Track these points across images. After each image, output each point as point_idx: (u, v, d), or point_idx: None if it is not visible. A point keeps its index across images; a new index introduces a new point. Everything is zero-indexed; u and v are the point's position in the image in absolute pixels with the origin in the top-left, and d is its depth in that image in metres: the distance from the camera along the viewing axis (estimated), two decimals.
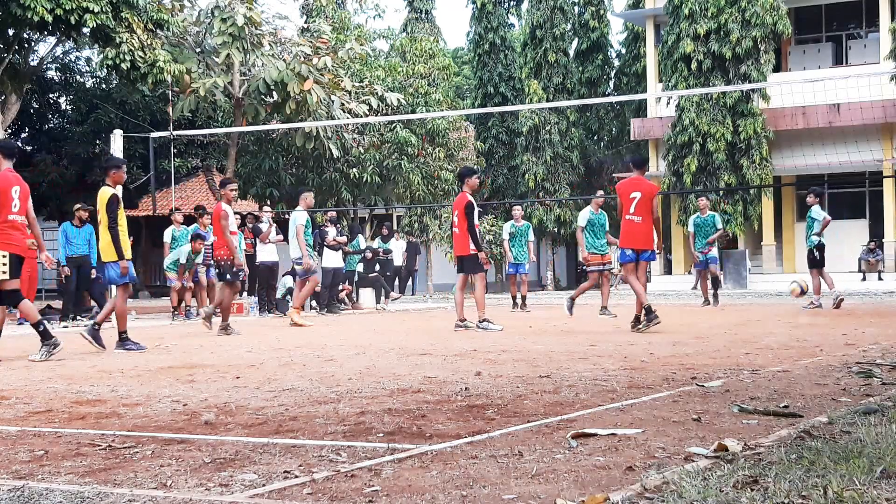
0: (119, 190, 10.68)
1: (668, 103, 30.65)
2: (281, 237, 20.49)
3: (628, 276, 11.83)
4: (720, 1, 28.54)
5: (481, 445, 4.10)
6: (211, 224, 19.95)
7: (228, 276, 13.39)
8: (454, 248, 13.02)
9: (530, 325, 13.39)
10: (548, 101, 33.55)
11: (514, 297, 18.77)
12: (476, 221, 12.70)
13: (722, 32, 28.61)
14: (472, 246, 12.50)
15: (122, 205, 10.52)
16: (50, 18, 16.86)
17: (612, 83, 39.76)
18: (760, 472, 3.35)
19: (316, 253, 15.02)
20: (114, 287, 10.67)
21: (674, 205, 30.47)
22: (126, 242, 10.49)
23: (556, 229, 34.12)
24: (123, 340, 10.25)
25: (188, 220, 20.31)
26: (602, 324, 13.99)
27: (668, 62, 29.77)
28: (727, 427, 4.46)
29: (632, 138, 33.04)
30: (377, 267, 22.54)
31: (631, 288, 11.76)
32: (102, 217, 10.37)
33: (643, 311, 11.42)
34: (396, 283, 26.09)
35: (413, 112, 27.35)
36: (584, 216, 15.83)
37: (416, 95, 29.02)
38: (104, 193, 10.36)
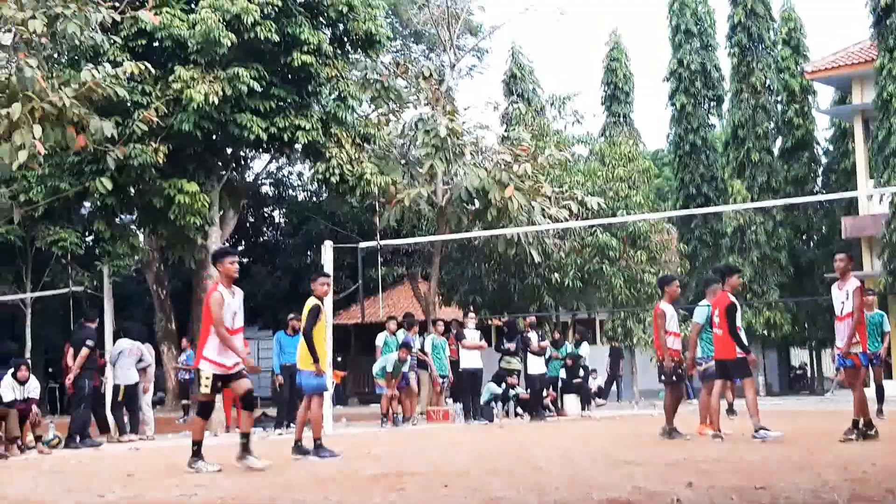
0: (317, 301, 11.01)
1: (880, 200, 29.50)
2: (484, 343, 20.65)
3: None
4: None
5: None
6: (414, 331, 20.31)
7: (664, 378, 12.88)
8: (715, 351, 12.36)
9: (743, 432, 12.91)
10: (752, 200, 32.83)
11: (730, 403, 17.80)
12: (739, 323, 12.08)
13: None
14: (738, 349, 11.90)
15: (322, 316, 10.91)
16: (265, 137, 17.80)
17: (819, 181, 38.60)
18: None
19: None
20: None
21: (892, 306, 29.04)
22: (323, 352, 10.83)
23: (765, 332, 33.04)
24: (318, 448, 10.51)
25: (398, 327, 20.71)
26: (817, 430, 13.37)
27: (879, 158, 28.72)
28: None
29: (843, 237, 31.88)
30: (581, 373, 22.33)
31: (858, 396, 11.22)
32: (302, 325, 10.84)
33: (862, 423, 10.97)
34: (598, 389, 25.81)
35: (613, 215, 27.27)
36: None
37: (616, 199, 28.94)
38: (308, 303, 10.86)
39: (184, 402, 24.44)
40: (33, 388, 14.74)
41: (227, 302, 9.52)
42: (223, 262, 9.77)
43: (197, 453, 9.39)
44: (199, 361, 9.58)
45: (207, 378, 9.46)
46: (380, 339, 19.19)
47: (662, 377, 12.90)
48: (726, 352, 12.00)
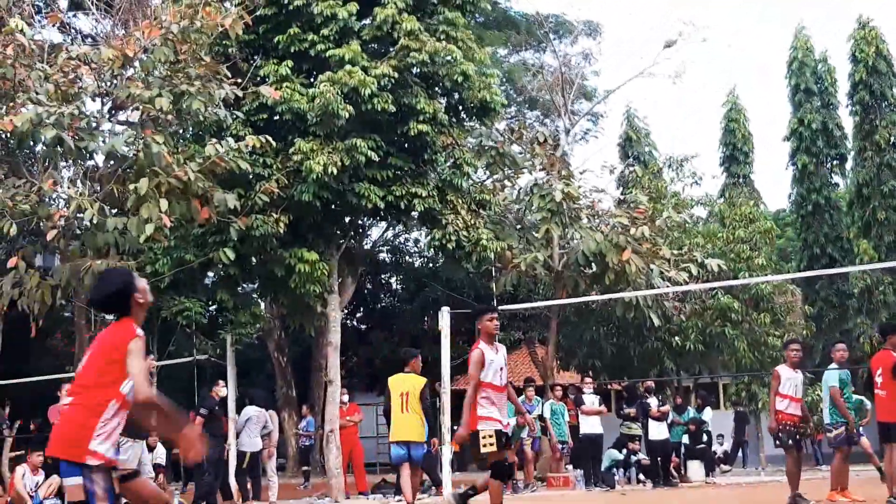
0: None
1: None
2: (604, 408, 20.41)
3: None
4: None
5: None
6: (530, 397, 20.18)
7: (780, 442, 12.46)
8: (878, 412, 11.84)
9: (875, 499, 12.40)
10: (879, 260, 31.93)
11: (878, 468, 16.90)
12: None
13: None
14: None
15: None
16: (382, 205, 18.03)
17: None
18: None
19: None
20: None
21: None
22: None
23: None
24: None
25: (516, 392, 20.60)
26: None
27: None
28: None
29: None
30: (704, 438, 21.85)
31: None
32: (415, 402, 11.22)
33: None
34: (723, 454, 25.20)
35: (735, 278, 26.79)
36: None
37: (737, 260, 28.45)
38: (419, 381, 11.29)
39: (304, 468, 24.66)
40: (159, 455, 15.10)
41: (489, 359, 9.23)
42: (481, 319, 9.54)
43: None
44: (474, 423, 9.18)
45: (490, 435, 9.09)
46: None
47: (777, 441, 12.56)
48: (889, 414, 11.49)
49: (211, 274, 19.95)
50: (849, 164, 36.99)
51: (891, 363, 11.34)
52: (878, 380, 11.49)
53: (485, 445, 9.06)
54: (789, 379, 12.42)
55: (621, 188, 31.48)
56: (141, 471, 12.84)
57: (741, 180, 37.70)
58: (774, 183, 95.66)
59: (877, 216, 33.75)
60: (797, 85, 36.86)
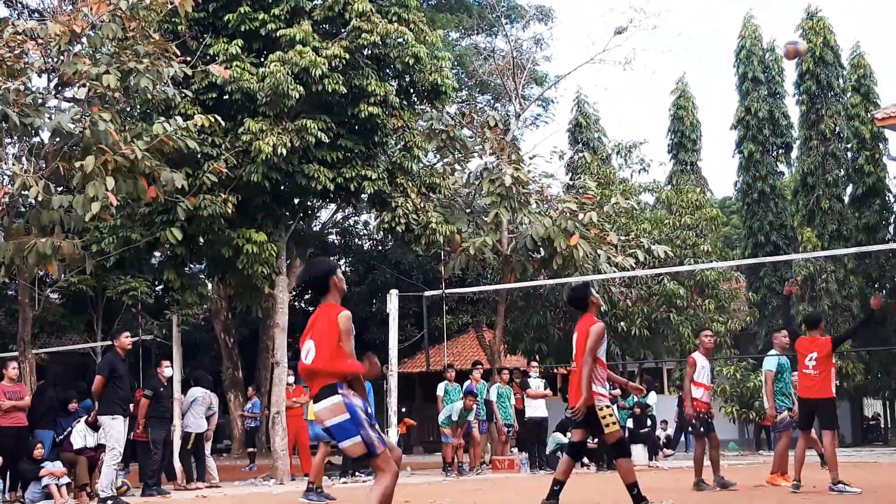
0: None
1: None
2: (549, 391, 20.55)
3: None
4: None
5: None
6: (475, 381, 20.27)
7: (691, 429, 12.82)
8: (806, 390, 11.82)
9: (814, 485, 12.63)
10: (822, 248, 32.41)
11: (820, 454, 17.01)
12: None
13: None
14: (833, 389, 11.78)
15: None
16: (332, 187, 17.97)
17: (892, 228, 38.00)
18: None
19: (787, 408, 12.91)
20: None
21: None
22: None
23: (837, 382, 32.38)
24: (309, 490, 12.24)
25: (460, 375, 20.69)
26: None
27: None
28: None
29: None
30: (648, 423, 22.09)
31: None
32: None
33: None
34: (666, 439, 25.49)
35: (681, 264, 27.06)
36: None
37: (683, 247, 28.75)
38: None
39: (249, 450, 24.59)
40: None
41: (605, 337, 9.05)
42: (591, 296, 9.29)
43: (638, 497, 8.95)
44: (595, 398, 8.84)
45: (612, 414, 8.88)
46: (440, 388, 19.23)
47: (690, 428, 12.83)
48: (818, 390, 11.67)
49: (157, 254, 19.77)
50: (794, 153, 37.42)
51: (829, 348, 11.63)
52: (811, 363, 11.76)
53: (608, 425, 8.81)
54: (703, 367, 12.73)
55: (570, 174, 31.64)
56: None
57: (688, 167, 38.04)
58: (721, 170, 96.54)
59: (821, 205, 34.21)
60: (745, 74, 37.19)
